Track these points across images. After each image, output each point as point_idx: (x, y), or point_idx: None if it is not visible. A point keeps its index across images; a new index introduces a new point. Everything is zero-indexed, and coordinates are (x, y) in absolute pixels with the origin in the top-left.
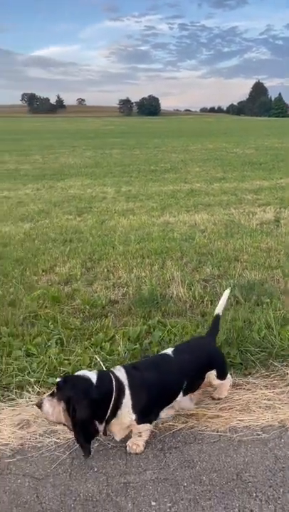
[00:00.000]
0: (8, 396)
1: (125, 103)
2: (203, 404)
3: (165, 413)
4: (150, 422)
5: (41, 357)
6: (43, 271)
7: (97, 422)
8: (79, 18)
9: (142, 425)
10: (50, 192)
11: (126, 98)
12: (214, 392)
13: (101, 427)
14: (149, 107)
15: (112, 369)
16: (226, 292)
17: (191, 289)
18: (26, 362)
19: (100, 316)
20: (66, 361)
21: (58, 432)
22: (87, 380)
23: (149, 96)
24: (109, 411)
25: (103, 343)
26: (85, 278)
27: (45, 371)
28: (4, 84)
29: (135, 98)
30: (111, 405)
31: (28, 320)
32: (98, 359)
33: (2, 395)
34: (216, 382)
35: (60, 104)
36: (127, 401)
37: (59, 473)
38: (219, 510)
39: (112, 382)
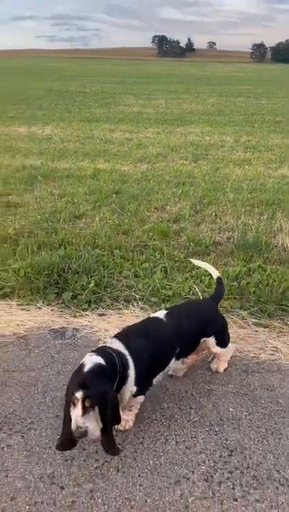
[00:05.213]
0: (117, 306)
1: (259, 48)
2: None
3: (156, 379)
4: (144, 394)
5: (147, 279)
6: (155, 208)
7: None
8: None
9: (137, 397)
10: (169, 137)
11: (260, 42)
12: (213, 362)
13: None
14: (285, 53)
15: (107, 344)
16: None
17: None
18: (134, 281)
19: (202, 254)
20: (168, 286)
21: None
22: (104, 369)
23: (287, 41)
24: (114, 387)
25: (203, 277)
26: (193, 219)
27: (149, 291)
28: (137, 25)
29: (271, 43)
30: (116, 381)
31: (138, 248)
32: (197, 289)
33: (112, 305)
34: (215, 349)
35: (189, 48)
36: (132, 373)
37: None
38: None
39: (116, 361)
